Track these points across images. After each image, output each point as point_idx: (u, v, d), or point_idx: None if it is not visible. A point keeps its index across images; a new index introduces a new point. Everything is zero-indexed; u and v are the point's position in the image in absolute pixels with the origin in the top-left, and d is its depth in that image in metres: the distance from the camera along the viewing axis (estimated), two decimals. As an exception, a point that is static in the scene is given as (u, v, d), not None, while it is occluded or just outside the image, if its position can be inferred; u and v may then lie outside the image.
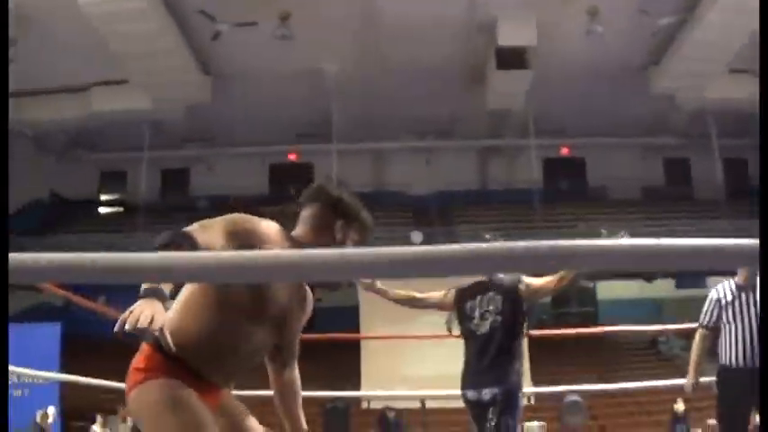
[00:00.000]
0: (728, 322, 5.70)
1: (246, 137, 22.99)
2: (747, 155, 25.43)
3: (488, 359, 4.93)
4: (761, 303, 5.02)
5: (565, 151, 24.93)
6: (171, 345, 2.49)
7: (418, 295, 5.42)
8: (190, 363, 2.68)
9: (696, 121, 22.47)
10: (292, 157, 24.32)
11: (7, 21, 3.13)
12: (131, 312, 2.26)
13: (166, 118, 21.50)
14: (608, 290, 24.41)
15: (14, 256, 1.53)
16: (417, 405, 17.79)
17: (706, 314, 5.80)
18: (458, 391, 5.34)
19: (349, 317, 17.96)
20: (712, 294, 5.86)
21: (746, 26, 17.55)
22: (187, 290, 2.78)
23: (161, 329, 2.33)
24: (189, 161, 24.78)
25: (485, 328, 4.99)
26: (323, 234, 2.93)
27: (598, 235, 5.57)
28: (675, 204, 24.53)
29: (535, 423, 14.28)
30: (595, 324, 24.72)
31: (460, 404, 15.29)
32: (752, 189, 24.74)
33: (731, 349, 5.69)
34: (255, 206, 17.45)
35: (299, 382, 3.17)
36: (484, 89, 21.00)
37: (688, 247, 1.72)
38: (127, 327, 2.23)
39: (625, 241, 1.79)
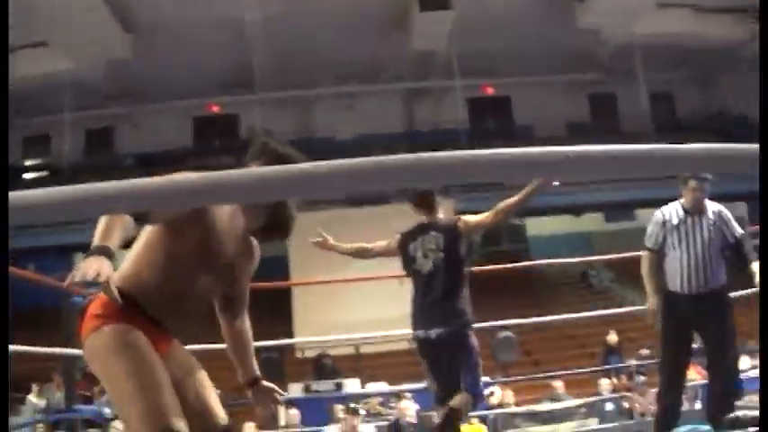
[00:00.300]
0: (674, 247, 5.67)
1: (170, 92, 22.53)
2: (674, 90, 25.74)
3: (434, 298, 5.16)
4: (761, 302, 4.96)
5: (489, 91, 24.88)
6: (117, 297, 2.74)
7: (367, 245, 5.79)
8: (143, 308, 2.84)
9: (623, 56, 22.53)
10: (216, 109, 23.91)
11: (7, 21, 2.97)
12: (80, 267, 2.38)
13: (88, 77, 20.92)
14: (538, 226, 24.61)
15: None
16: (352, 351, 17.90)
17: (651, 236, 5.80)
18: (393, 332, 5.58)
19: (278, 266, 17.82)
20: (657, 216, 5.84)
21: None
22: (140, 240, 2.93)
23: (107, 282, 2.45)
24: (113, 120, 24.17)
25: (428, 266, 5.22)
26: None
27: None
28: (602, 139, 24.65)
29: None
30: (527, 260, 25.03)
31: (395, 347, 15.42)
32: (679, 124, 25.10)
33: (676, 275, 5.68)
34: (181, 161, 17.24)
35: (249, 331, 3.40)
36: (407, 31, 20.78)
37: (686, 151, 1.73)
38: (76, 279, 2.35)
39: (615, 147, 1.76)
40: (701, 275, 5.61)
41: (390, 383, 13.33)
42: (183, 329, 3.07)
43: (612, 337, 16.09)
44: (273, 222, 3.15)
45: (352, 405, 10.28)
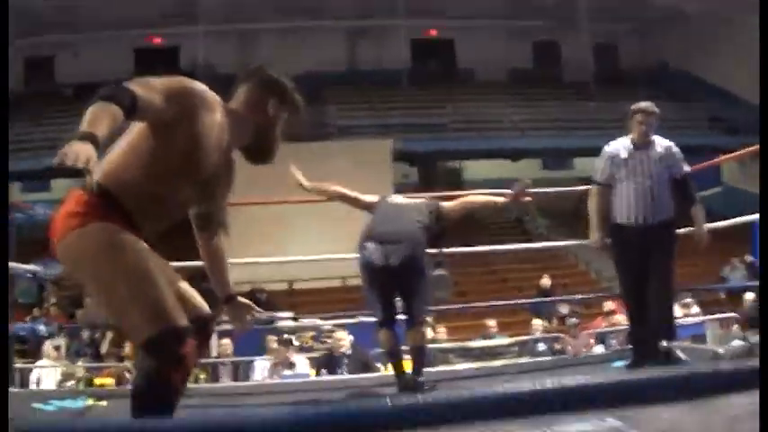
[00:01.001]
0: (622, 180, 5.73)
1: (111, 21, 22.02)
2: (618, 40, 25.89)
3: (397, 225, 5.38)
4: (761, 300, 4.99)
5: (433, 33, 24.79)
6: (95, 187, 2.72)
7: (350, 193, 5.94)
8: (121, 206, 2.77)
9: (568, 5, 22.55)
10: (157, 41, 23.44)
11: (7, 21, 2.84)
12: (69, 151, 2.31)
13: (28, 5, 20.32)
14: (474, 170, 24.62)
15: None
16: (285, 287, 17.88)
17: (599, 171, 5.90)
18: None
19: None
20: (605, 151, 5.92)
21: None
22: (124, 140, 2.88)
23: (90, 170, 2.36)
24: (53, 48, 23.62)
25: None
26: (257, 110, 3.19)
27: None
28: (543, 86, 24.77)
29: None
30: (461, 204, 25.16)
31: (329, 284, 15.35)
32: (622, 74, 25.26)
33: (624, 207, 5.75)
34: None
35: (224, 250, 3.40)
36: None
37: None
38: (68, 162, 2.28)
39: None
40: (648, 207, 5.70)
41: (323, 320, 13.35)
42: (152, 235, 2.98)
43: (545, 281, 16.25)
44: (258, 144, 3.22)
45: (286, 336, 10.24)
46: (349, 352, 9.71)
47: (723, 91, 21.90)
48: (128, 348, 11.70)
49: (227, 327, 12.31)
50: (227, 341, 10.97)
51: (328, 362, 9.72)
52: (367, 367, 9.71)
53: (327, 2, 22.15)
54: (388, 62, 23.77)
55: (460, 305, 14.46)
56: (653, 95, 24.15)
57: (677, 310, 12.72)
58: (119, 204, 2.77)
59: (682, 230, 5.99)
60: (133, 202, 2.81)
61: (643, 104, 5.96)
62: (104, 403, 5.78)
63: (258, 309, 3.57)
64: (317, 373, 9.42)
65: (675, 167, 5.86)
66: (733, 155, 8.82)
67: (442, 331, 12.18)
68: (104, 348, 12.18)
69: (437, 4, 22.66)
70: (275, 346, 10.22)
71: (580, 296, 14.92)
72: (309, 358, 10.10)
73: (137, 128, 2.85)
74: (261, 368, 10.41)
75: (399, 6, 21.68)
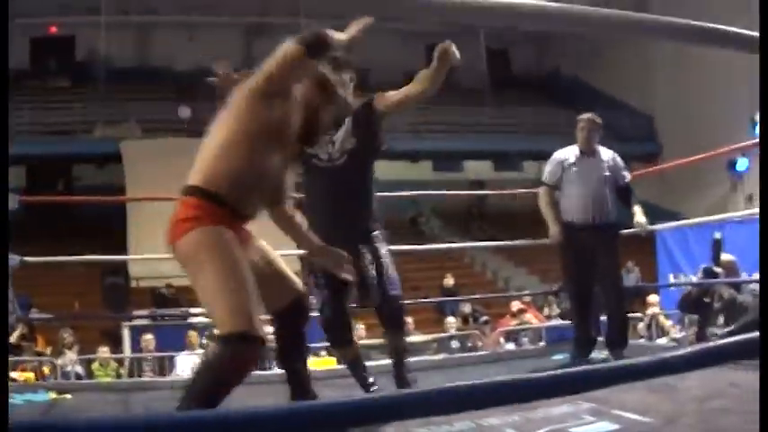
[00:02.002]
0: (570, 182, 6.05)
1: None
2: (510, 46, 26.39)
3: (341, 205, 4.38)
4: (761, 300, 5.16)
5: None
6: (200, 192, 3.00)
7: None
8: (226, 202, 3.00)
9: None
10: (53, 30, 22.74)
11: (7, 21, 2.73)
12: None
13: None
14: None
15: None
16: (188, 283, 17.56)
17: (548, 173, 6.25)
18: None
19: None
20: (555, 156, 6.40)
21: None
22: (215, 136, 3.13)
23: None
24: (-55, 34, 22.64)
25: (336, 157, 4.41)
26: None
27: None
28: (439, 91, 24.99)
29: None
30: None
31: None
32: (514, 79, 25.78)
33: (573, 207, 6.08)
34: (16, 81, 16.28)
35: (295, 211, 3.59)
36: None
37: (689, 27, 2.01)
38: None
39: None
40: (595, 208, 6.03)
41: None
42: (254, 214, 3.23)
43: (449, 281, 16.52)
44: (306, 127, 3.33)
45: (216, 331, 10.12)
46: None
47: (612, 98, 22.62)
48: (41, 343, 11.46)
49: (148, 322, 12.22)
50: (149, 336, 10.83)
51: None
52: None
53: (227, -1, 21.83)
54: (285, 61, 23.66)
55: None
56: (545, 102, 24.87)
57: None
58: (222, 202, 3.00)
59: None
60: (235, 194, 3.03)
61: (586, 115, 6.39)
62: (69, 396, 5.68)
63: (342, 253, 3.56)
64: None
65: (619, 175, 6.27)
66: (660, 167, 9.22)
67: (361, 328, 12.22)
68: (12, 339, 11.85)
69: (330, 3, 22.61)
70: (205, 341, 10.10)
71: (500, 294, 15.23)
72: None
73: (226, 123, 3.12)
74: (184, 363, 10.29)
75: (301, 5, 21.57)
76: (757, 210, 14.81)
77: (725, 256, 8.11)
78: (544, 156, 6.48)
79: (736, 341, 1.99)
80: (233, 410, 1.34)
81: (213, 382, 2.89)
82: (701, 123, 18.34)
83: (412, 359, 4.86)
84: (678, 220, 11.62)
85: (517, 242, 10.23)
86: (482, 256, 21.29)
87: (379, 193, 4.68)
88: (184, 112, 19.43)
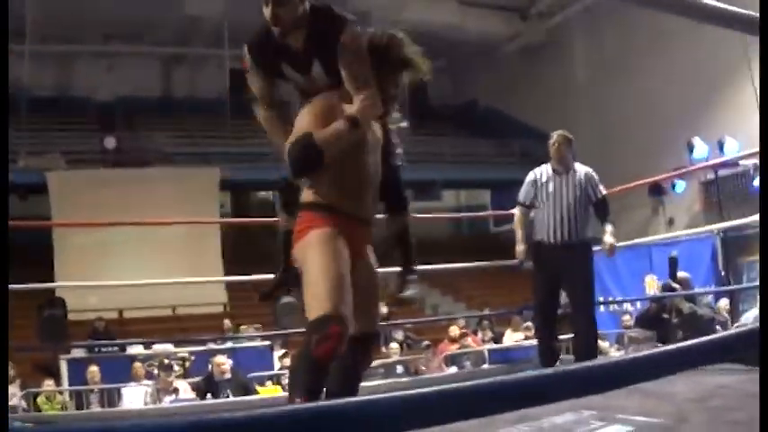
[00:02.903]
0: (544, 201, 6.15)
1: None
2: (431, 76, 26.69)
3: None
4: (761, 300, 5.35)
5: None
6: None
7: None
8: (333, 206, 3.30)
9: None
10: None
11: (7, 21, 2.69)
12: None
13: None
14: (288, 201, 24.74)
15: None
16: (116, 316, 17.34)
17: (522, 193, 6.31)
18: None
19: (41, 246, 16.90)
20: (529, 176, 6.40)
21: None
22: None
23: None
24: None
25: None
26: None
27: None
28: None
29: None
30: (275, 236, 25.09)
31: (156, 313, 15.11)
32: (431, 110, 26.07)
33: (545, 227, 6.16)
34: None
35: None
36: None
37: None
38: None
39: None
40: (566, 228, 6.11)
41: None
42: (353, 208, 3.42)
43: (382, 308, 16.59)
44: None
45: (166, 361, 10.04)
46: (229, 376, 9.68)
47: (531, 126, 23.07)
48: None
49: (85, 355, 11.99)
50: (94, 368, 10.65)
51: (209, 386, 9.64)
52: (247, 390, 9.70)
53: (150, 27, 21.62)
54: (204, 91, 23.59)
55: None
56: (462, 132, 25.23)
57: (520, 334, 13.49)
58: (329, 209, 3.29)
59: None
60: (335, 196, 3.31)
61: (557, 133, 6.41)
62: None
63: None
64: (203, 398, 9.31)
65: (594, 191, 6.30)
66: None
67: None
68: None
69: (249, 34, 22.57)
70: (156, 371, 10.00)
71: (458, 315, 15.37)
72: (190, 383, 9.94)
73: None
74: (131, 395, 10.17)
75: (225, 35, 21.48)
76: (679, 233, 15.38)
77: (680, 274, 8.42)
78: (463, 184, 6.61)
79: (738, 333, 2.13)
80: (350, 401, 1.38)
81: (308, 370, 3.09)
82: (626, 148, 18.81)
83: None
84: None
85: (487, 263, 10.16)
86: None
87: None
88: (110, 142, 19.19)
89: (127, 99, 21.96)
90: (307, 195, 3.37)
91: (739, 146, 15.85)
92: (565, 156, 6.29)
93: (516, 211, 6.49)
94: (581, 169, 6.31)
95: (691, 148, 16.60)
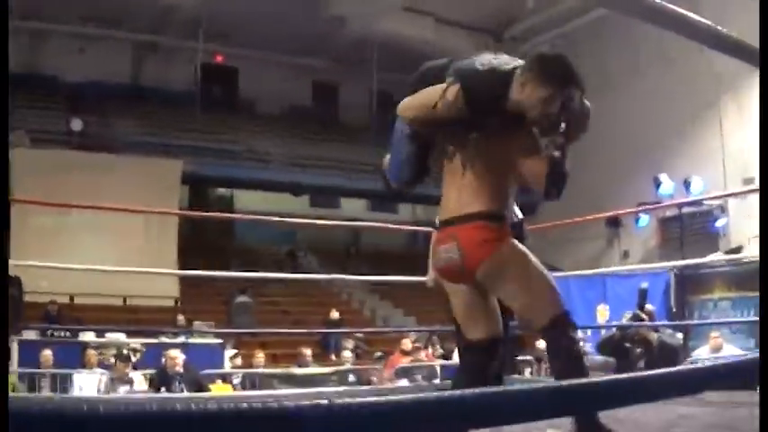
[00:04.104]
0: None
1: None
2: (393, 89, 26.81)
3: None
4: (761, 301, 5.43)
5: (219, 59, 24.72)
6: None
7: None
8: (504, 217, 3.53)
9: (357, 50, 23.15)
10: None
11: (7, 21, 2.67)
12: None
13: None
14: (245, 200, 24.66)
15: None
16: (67, 300, 17.20)
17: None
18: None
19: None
20: None
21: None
22: (472, 170, 3.51)
23: None
24: None
25: None
26: None
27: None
28: (323, 126, 25.31)
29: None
30: (231, 233, 25.08)
31: (108, 302, 15.14)
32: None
33: None
34: None
35: None
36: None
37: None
38: None
39: None
40: None
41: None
42: None
43: (334, 314, 16.74)
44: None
45: (125, 352, 10.03)
46: (181, 371, 9.69)
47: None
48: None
49: (37, 338, 11.90)
50: (48, 352, 10.60)
51: (163, 379, 9.64)
52: (200, 386, 9.72)
53: (125, 13, 21.46)
54: (173, 81, 23.52)
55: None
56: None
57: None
58: (503, 218, 3.51)
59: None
60: (504, 210, 3.53)
61: None
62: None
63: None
64: (157, 391, 9.32)
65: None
66: (545, 225, 9.54)
67: (260, 357, 12.30)
68: None
69: (226, 29, 22.53)
70: (113, 360, 9.98)
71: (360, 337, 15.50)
72: (144, 375, 9.95)
73: (480, 155, 3.51)
74: (84, 382, 10.15)
75: (201, 28, 21.43)
76: (633, 266, 15.65)
77: (647, 306, 8.60)
78: (420, 200, 6.58)
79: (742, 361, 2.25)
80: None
81: (577, 366, 3.34)
82: (591, 178, 19.01)
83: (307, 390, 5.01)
84: (557, 272, 12.08)
85: (398, 278, 10.32)
86: (359, 294, 21.52)
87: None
88: (77, 125, 19.05)
89: (97, 83, 21.78)
90: (482, 203, 3.49)
91: (704, 185, 16.15)
92: None
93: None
94: None
95: (657, 184, 16.85)
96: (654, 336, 7.83)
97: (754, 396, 2.85)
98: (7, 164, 2.85)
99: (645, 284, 9.05)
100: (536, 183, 3.50)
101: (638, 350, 7.79)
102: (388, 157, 3.89)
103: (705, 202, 15.64)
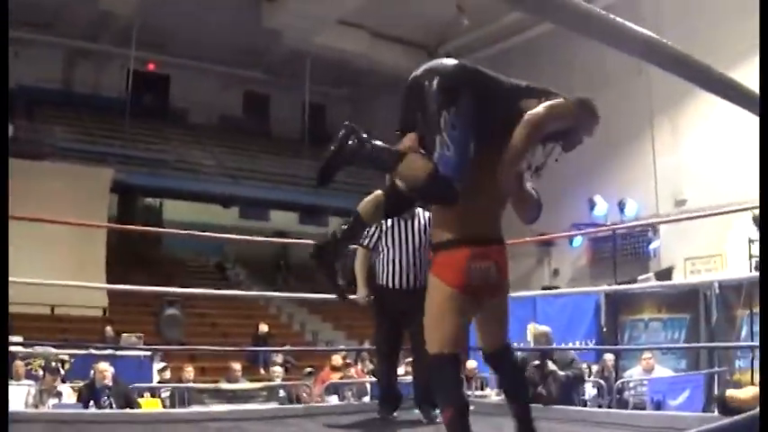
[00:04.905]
0: (386, 246, 6.22)
1: None
2: (326, 102, 26.93)
3: None
4: (761, 300, 5.50)
5: (151, 67, 24.54)
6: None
7: None
8: None
9: (292, 62, 23.17)
10: None
11: (7, 21, 2.63)
12: None
13: None
14: (174, 211, 24.49)
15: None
16: (48, 312, 17.07)
17: (367, 236, 6.25)
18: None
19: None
20: None
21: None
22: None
23: None
24: None
25: None
26: None
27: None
28: (253, 137, 25.29)
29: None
30: (159, 243, 24.86)
31: (35, 311, 14.91)
32: (327, 136, 26.25)
33: (387, 272, 6.26)
34: None
35: None
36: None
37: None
38: None
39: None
40: (410, 274, 6.20)
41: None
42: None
43: (263, 328, 16.71)
44: None
45: (54, 364, 9.91)
46: (110, 384, 9.60)
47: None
48: None
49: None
50: (-26, 363, 10.39)
51: (91, 392, 9.55)
52: (129, 400, 9.64)
53: (59, 18, 21.18)
54: (105, 89, 23.32)
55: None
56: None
57: (401, 369, 13.72)
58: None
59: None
60: None
61: None
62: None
63: None
64: (86, 404, 9.22)
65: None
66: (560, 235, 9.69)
67: (189, 371, 12.22)
68: None
69: (164, 39, 22.38)
70: (41, 372, 9.85)
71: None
72: (72, 387, 9.83)
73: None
74: (11, 394, 9.97)
75: (134, 35, 21.23)
76: (564, 289, 15.87)
77: (540, 328, 8.74)
78: (350, 213, 6.49)
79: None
80: None
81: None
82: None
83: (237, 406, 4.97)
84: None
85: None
86: (289, 308, 21.53)
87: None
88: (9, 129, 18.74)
89: (28, 88, 21.47)
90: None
91: (638, 207, 16.44)
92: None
93: (358, 252, 6.42)
94: (423, 214, 6.28)
95: (592, 206, 17.10)
96: (549, 366, 7.96)
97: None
98: (7, 163, 2.84)
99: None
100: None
101: (536, 377, 7.91)
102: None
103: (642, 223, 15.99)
